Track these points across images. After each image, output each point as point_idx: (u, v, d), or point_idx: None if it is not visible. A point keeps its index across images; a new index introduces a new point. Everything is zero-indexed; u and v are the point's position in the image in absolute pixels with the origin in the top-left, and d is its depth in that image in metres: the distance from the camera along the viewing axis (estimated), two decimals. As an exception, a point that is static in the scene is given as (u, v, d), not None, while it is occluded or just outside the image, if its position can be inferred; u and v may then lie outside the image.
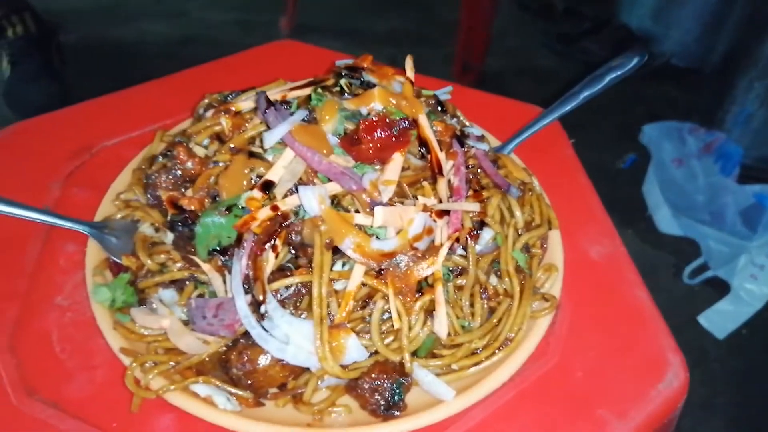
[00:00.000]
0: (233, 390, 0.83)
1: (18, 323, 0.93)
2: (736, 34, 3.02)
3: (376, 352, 0.85)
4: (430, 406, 0.82)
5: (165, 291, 0.91)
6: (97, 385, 0.85)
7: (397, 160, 0.89)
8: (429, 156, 0.92)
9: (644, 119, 2.84)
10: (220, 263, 0.87)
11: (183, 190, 0.94)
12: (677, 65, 3.35)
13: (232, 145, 0.94)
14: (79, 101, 1.37)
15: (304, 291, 0.85)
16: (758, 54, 2.71)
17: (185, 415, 0.81)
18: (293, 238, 0.86)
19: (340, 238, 0.83)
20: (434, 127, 0.96)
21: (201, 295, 0.89)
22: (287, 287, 0.84)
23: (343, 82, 0.98)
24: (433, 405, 0.82)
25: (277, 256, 0.85)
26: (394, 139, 0.89)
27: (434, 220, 0.88)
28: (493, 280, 0.94)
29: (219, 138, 0.99)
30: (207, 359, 0.85)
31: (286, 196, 0.86)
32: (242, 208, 0.86)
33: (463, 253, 0.92)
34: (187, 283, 0.90)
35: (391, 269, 0.85)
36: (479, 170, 1.01)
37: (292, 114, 0.91)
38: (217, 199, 0.90)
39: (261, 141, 0.92)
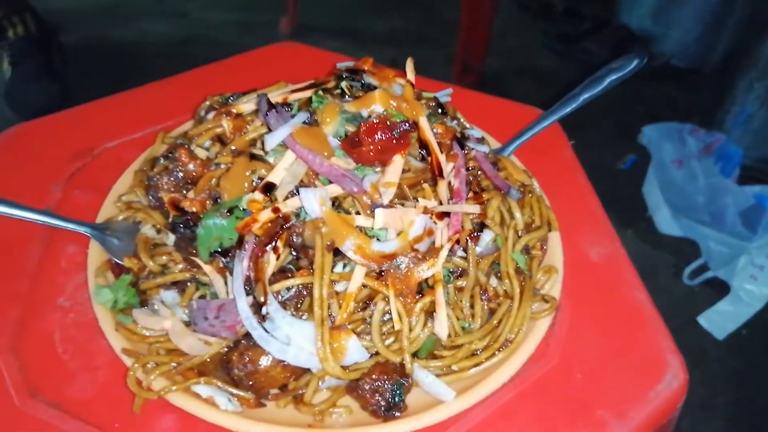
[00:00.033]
0: (234, 391, 0.83)
1: (20, 324, 0.93)
2: (737, 34, 3.02)
3: (377, 353, 0.86)
4: (430, 407, 0.83)
5: (166, 292, 0.91)
6: (100, 386, 0.86)
7: (397, 162, 0.89)
8: (429, 158, 0.92)
9: (644, 120, 2.84)
10: (221, 265, 0.87)
11: (184, 191, 0.95)
12: (677, 65, 3.35)
13: (233, 147, 0.94)
14: (79, 101, 1.38)
15: (305, 292, 0.86)
16: (758, 54, 2.71)
17: (187, 416, 0.81)
18: (294, 239, 0.86)
19: (341, 240, 0.83)
20: (435, 130, 0.96)
21: (202, 297, 0.90)
22: (288, 289, 0.85)
23: (344, 84, 0.98)
24: (434, 406, 0.83)
25: (278, 258, 0.85)
26: (394, 141, 0.89)
27: (435, 222, 0.88)
28: (493, 281, 0.95)
29: (220, 140, 0.99)
30: (208, 360, 0.86)
31: (287, 198, 0.87)
32: (244, 210, 0.87)
33: (464, 254, 0.92)
34: (189, 284, 0.91)
35: (391, 271, 0.85)
36: (479, 172, 1.01)
37: (293, 116, 0.92)
38: (219, 201, 0.90)
39: (262, 143, 0.92)
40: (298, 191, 0.86)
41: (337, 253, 0.85)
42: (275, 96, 0.97)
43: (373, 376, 0.82)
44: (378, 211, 0.84)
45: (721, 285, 2.30)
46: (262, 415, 0.83)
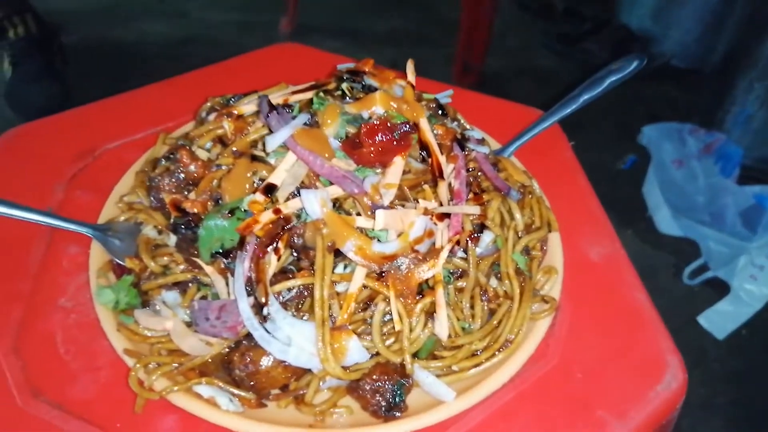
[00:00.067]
0: (236, 391, 0.84)
1: (22, 325, 0.93)
2: (737, 34, 3.02)
3: (378, 354, 0.86)
4: (430, 407, 0.83)
5: (168, 293, 0.91)
6: (101, 386, 0.86)
7: (398, 163, 0.89)
8: (430, 159, 0.93)
9: (644, 120, 2.84)
10: (222, 266, 0.88)
11: (186, 193, 0.95)
12: (677, 66, 3.36)
13: (234, 149, 0.94)
14: (80, 101, 1.38)
15: (306, 293, 0.86)
16: (758, 54, 2.72)
17: (188, 416, 0.81)
18: (295, 240, 0.86)
19: (342, 241, 0.84)
20: (435, 131, 0.97)
21: (204, 297, 0.90)
22: (289, 289, 0.85)
23: (344, 86, 0.99)
24: (434, 406, 0.83)
25: (279, 259, 0.85)
26: (395, 142, 0.89)
27: (435, 223, 0.88)
28: (494, 282, 0.95)
29: (221, 141, 0.99)
30: (210, 361, 0.86)
31: (288, 199, 0.87)
32: (245, 211, 0.87)
33: (464, 255, 0.92)
34: (190, 285, 0.91)
35: (392, 272, 0.85)
36: (479, 173, 1.02)
37: (294, 118, 0.92)
38: (220, 202, 0.91)
39: (263, 144, 0.93)
40: (299, 192, 0.86)
41: (338, 254, 0.85)
42: (276, 97, 0.98)
43: (374, 377, 0.83)
44: (378, 213, 0.85)
45: (721, 285, 2.31)
46: (263, 416, 0.83)
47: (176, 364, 0.85)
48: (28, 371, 0.87)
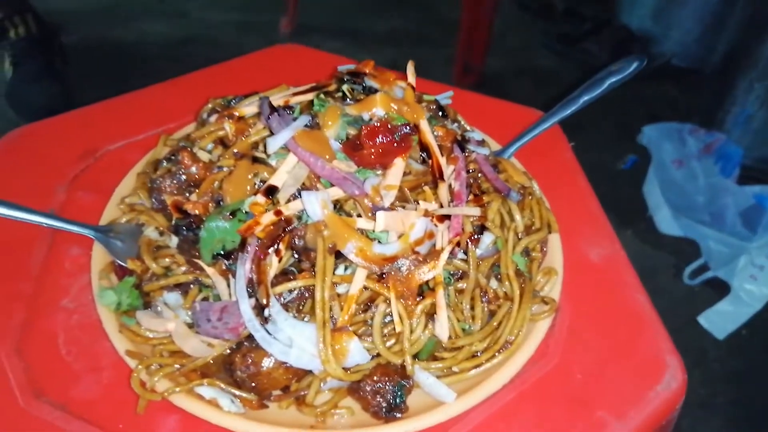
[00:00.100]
0: (237, 392, 0.84)
1: (25, 326, 0.94)
2: (737, 34, 3.02)
3: (378, 355, 0.86)
4: (431, 408, 0.83)
5: (170, 294, 0.92)
6: (104, 387, 0.87)
7: (398, 165, 0.90)
8: (430, 161, 0.93)
9: (644, 120, 2.84)
10: (224, 267, 0.88)
11: (187, 194, 0.95)
12: (677, 66, 3.36)
13: (235, 150, 0.95)
14: (80, 101, 1.38)
15: (307, 294, 0.86)
16: (758, 55, 2.72)
17: (190, 417, 0.82)
18: (296, 242, 0.87)
19: (343, 243, 0.84)
20: (435, 132, 0.97)
21: (205, 299, 0.90)
22: (290, 291, 0.86)
23: (345, 87, 0.99)
24: (435, 407, 0.84)
25: (280, 260, 0.86)
26: (395, 144, 0.90)
27: (435, 225, 0.89)
28: (494, 283, 0.95)
29: (223, 143, 1.00)
30: (211, 362, 0.86)
31: (289, 201, 0.87)
32: (246, 212, 0.87)
33: (464, 257, 0.93)
34: (192, 286, 0.91)
35: (392, 273, 0.86)
36: (480, 174, 1.02)
37: (295, 119, 0.93)
38: (222, 203, 0.91)
39: (264, 146, 0.93)
40: (300, 194, 0.87)
41: (339, 255, 0.85)
42: (277, 99, 0.98)
43: (375, 378, 0.83)
44: (379, 214, 0.85)
45: (721, 285, 2.31)
46: (265, 417, 0.83)
47: (178, 366, 0.86)
48: (31, 372, 0.88)
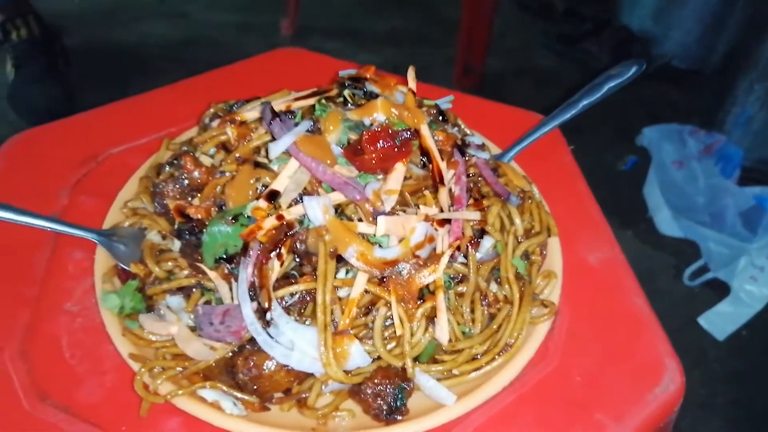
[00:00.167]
0: (239, 395, 0.85)
1: (29, 329, 0.95)
2: (737, 35, 3.02)
3: (379, 358, 0.87)
4: (431, 411, 0.84)
5: (172, 298, 0.93)
6: (107, 390, 0.87)
7: (399, 169, 0.90)
8: (430, 165, 0.94)
9: (645, 121, 2.85)
10: (226, 271, 0.89)
11: (190, 198, 0.96)
12: (678, 66, 3.36)
13: (237, 155, 0.95)
14: (82, 103, 1.40)
15: (308, 298, 0.87)
16: (759, 55, 2.72)
17: (193, 419, 0.83)
18: (298, 246, 0.87)
19: (344, 247, 0.85)
20: (436, 137, 0.98)
21: (208, 302, 0.91)
22: (292, 294, 0.86)
23: (346, 92, 1.00)
24: (435, 409, 0.84)
25: (282, 265, 0.86)
26: (396, 149, 0.90)
27: (436, 229, 0.89)
28: (494, 287, 0.96)
29: (225, 147, 1.00)
30: (214, 365, 0.87)
31: (291, 205, 0.88)
32: (248, 217, 0.88)
33: (464, 260, 0.93)
34: (194, 290, 0.92)
35: (393, 277, 0.86)
36: (480, 179, 1.03)
37: (296, 125, 0.93)
38: (224, 208, 0.92)
39: (266, 151, 0.94)
40: (301, 199, 0.87)
41: (340, 259, 0.86)
42: (279, 104, 0.99)
43: (375, 381, 0.84)
44: (380, 219, 0.86)
45: (722, 286, 2.31)
46: (267, 419, 0.84)
47: (181, 368, 0.86)
48: (35, 375, 0.89)
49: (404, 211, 0.90)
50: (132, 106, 1.40)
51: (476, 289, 0.93)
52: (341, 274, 0.88)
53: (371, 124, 0.94)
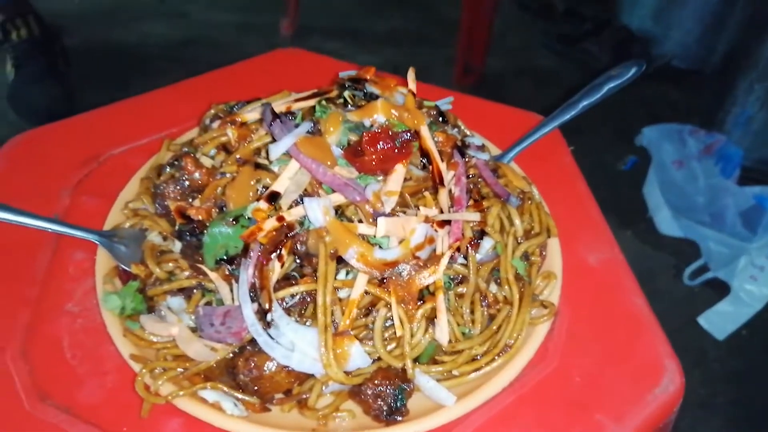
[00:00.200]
0: (240, 395, 0.85)
1: (30, 329, 0.95)
2: (737, 35, 3.03)
3: (379, 359, 0.87)
4: (431, 411, 0.84)
5: (173, 299, 0.93)
6: (108, 391, 0.88)
7: (399, 171, 0.90)
8: (430, 166, 0.94)
9: (645, 120, 2.85)
10: (227, 272, 0.89)
11: (191, 200, 0.96)
12: (678, 66, 3.36)
13: (238, 156, 0.96)
14: (82, 103, 1.40)
15: (309, 299, 0.87)
16: (759, 55, 2.72)
17: (194, 420, 0.83)
18: (298, 248, 0.88)
19: (344, 248, 0.85)
20: (435, 138, 0.98)
21: (208, 303, 0.91)
22: (292, 296, 0.86)
23: (346, 94, 1.00)
24: (435, 410, 0.84)
25: (282, 266, 0.87)
26: (396, 150, 0.91)
27: (435, 230, 0.90)
28: (493, 287, 0.96)
29: (225, 149, 1.01)
30: (215, 366, 0.87)
31: (291, 206, 0.88)
32: (249, 218, 0.88)
33: (464, 261, 0.94)
34: (195, 291, 0.92)
35: (393, 278, 0.87)
36: (480, 180, 1.03)
37: (297, 126, 0.93)
38: (224, 209, 0.92)
39: (267, 152, 0.94)
40: (302, 200, 0.88)
41: (340, 260, 0.86)
42: (279, 105, 0.99)
43: (376, 381, 0.84)
44: (380, 220, 0.86)
45: (721, 285, 2.32)
46: (267, 420, 0.85)
47: (182, 369, 0.87)
48: (36, 375, 0.89)
49: (404, 213, 0.90)
50: (133, 107, 1.40)
51: (476, 289, 0.93)
52: (341, 275, 0.89)
53: (371, 126, 0.95)
